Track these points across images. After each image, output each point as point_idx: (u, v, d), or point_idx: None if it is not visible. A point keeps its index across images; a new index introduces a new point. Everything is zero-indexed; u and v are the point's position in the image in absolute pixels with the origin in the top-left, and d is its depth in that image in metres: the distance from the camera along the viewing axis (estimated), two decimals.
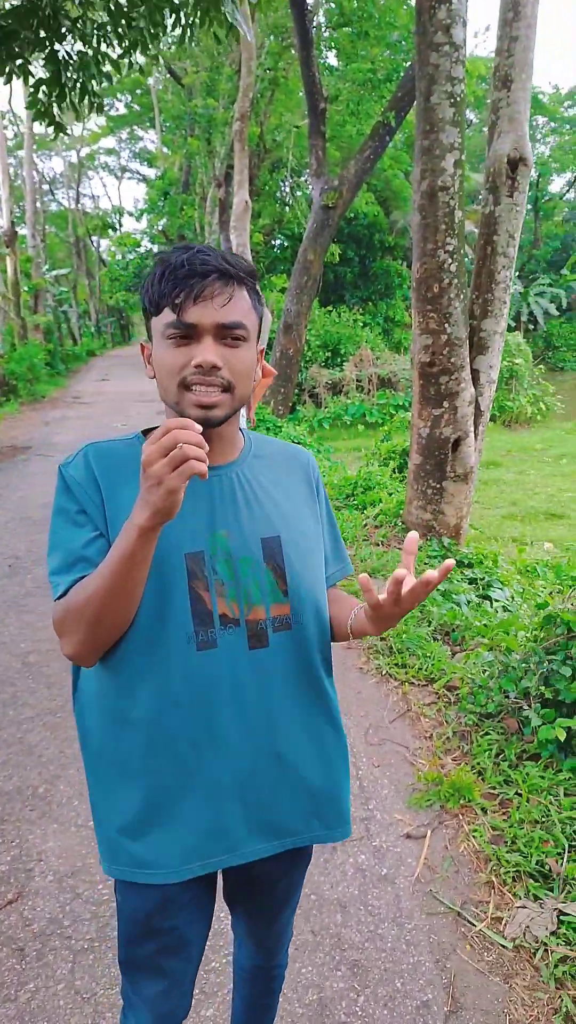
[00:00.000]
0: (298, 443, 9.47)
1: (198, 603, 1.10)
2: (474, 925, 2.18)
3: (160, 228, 25.74)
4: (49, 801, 2.75)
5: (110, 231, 36.61)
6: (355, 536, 5.65)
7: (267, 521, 1.17)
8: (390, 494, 6.40)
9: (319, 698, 1.23)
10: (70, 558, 1.07)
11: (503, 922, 2.18)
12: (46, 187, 39.40)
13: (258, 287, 1.14)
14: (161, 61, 21.14)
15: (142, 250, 28.57)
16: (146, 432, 1.22)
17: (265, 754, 1.16)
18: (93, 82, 5.26)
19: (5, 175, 19.93)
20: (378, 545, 5.45)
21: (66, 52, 5.12)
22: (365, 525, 5.90)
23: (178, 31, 5.29)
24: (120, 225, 37.22)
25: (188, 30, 5.14)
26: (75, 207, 37.54)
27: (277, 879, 1.31)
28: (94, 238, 40.92)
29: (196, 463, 0.88)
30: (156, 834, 1.12)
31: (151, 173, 34.39)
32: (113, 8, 4.87)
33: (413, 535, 1.03)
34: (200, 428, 0.90)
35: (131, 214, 30.04)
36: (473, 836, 2.52)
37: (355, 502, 6.59)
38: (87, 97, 5.21)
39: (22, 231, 23.64)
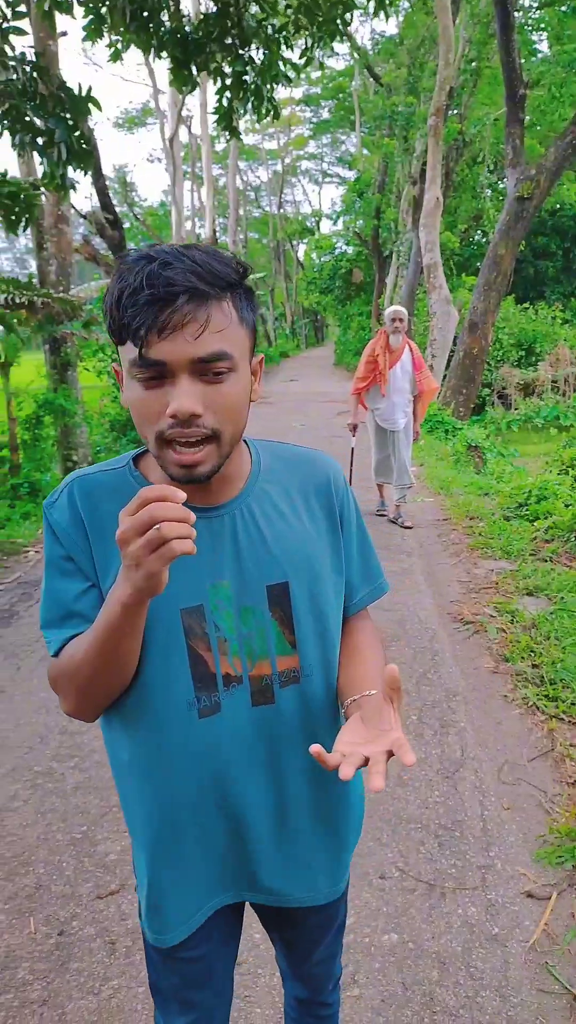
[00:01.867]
0: (475, 446, 9.03)
1: (199, 664, 0.99)
2: None
3: (355, 230, 25.88)
4: None
5: (308, 234, 37.50)
6: (520, 549, 5.25)
7: (274, 565, 1.03)
8: (567, 506, 5.87)
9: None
10: (60, 612, 0.99)
11: None
12: (251, 194, 41.15)
13: (248, 287, 0.94)
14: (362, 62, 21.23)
15: (336, 252, 28.90)
16: (136, 459, 1.06)
17: (269, 818, 1.08)
18: (271, 85, 5.34)
19: (210, 186, 21.04)
20: (545, 561, 5.01)
21: (250, 56, 5.24)
22: (534, 538, 5.46)
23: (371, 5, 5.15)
24: (318, 228, 37.99)
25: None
26: (277, 213, 38.84)
27: (304, 916, 1.22)
28: (293, 241, 42.12)
29: (178, 544, 0.76)
30: (163, 893, 1.09)
31: (351, 175, 34.76)
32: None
33: (391, 669, 0.86)
34: (183, 496, 0.76)
35: (329, 217, 30.54)
36: None
37: (527, 512, 6.13)
38: (264, 102, 5.30)
39: (224, 238, 24.84)
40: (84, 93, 4.25)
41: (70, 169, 4.48)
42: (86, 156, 4.42)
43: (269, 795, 1.07)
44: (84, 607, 0.98)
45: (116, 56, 4.85)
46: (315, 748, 0.84)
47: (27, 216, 4.73)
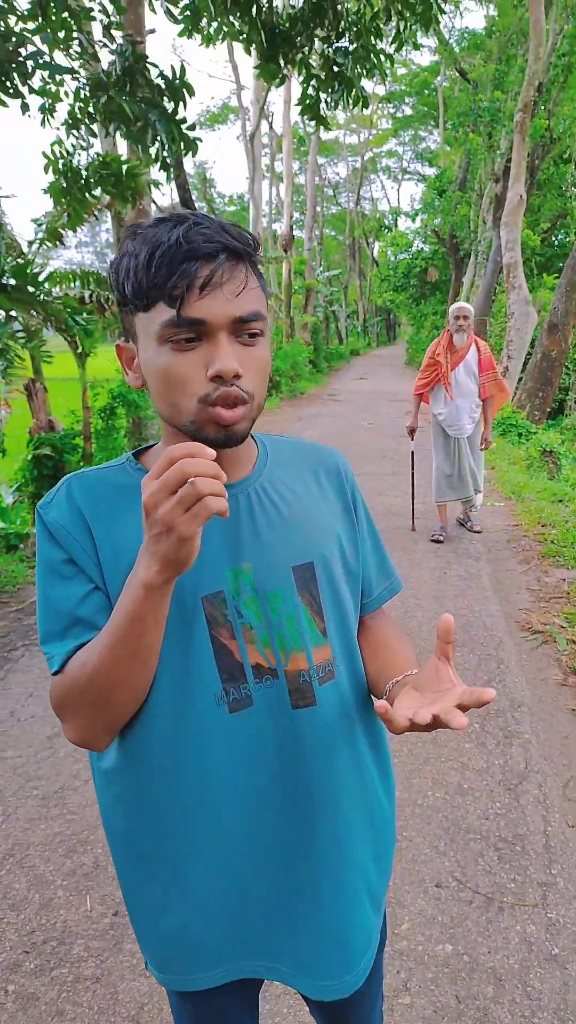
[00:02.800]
0: (549, 451, 8.78)
1: (224, 655, 0.91)
2: None
3: (433, 228, 25.52)
4: None
5: (385, 231, 37.19)
6: None
7: (297, 545, 0.96)
8: None
9: (373, 765, 1.07)
10: (62, 621, 0.89)
11: None
12: (329, 191, 41.10)
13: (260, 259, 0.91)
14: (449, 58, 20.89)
15: (413, 250, 28.55)
16: (138, 454, 1.00)
17: (321, 848, 0.98)
18: (362, 74, 5.29)
19: (289, 182, 21.08)
20: None
21: (345, 48, 5.21)
22: None
23: None
24: (395, 226, 37.64)
25: None
26: (354, 210, 38.66)
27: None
28: (369, 239, 41.87)
29: (213, 501, 0.69)
30: (183, 934, 0.98)
31: (431, 173, 34.32)
32: None
33: (446, 618, 0.81)
34: (213, 453, 0.70)
35: (407, 214, 30.23)
36: None
37: None
38: (353, 91, 5.26)
39: (300, 234, 24.87)
40: (178, 78, 4.32)
41: (166, 155, 4.56)
42: (190, 142, 4.49)
43: (316, 823, 0.97)
44: (89, 611, 0.89)
45: (209, 40, 4.90)
46: (380, 704, 0.78)
47: (133, 188, 4.89)
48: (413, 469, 6.20)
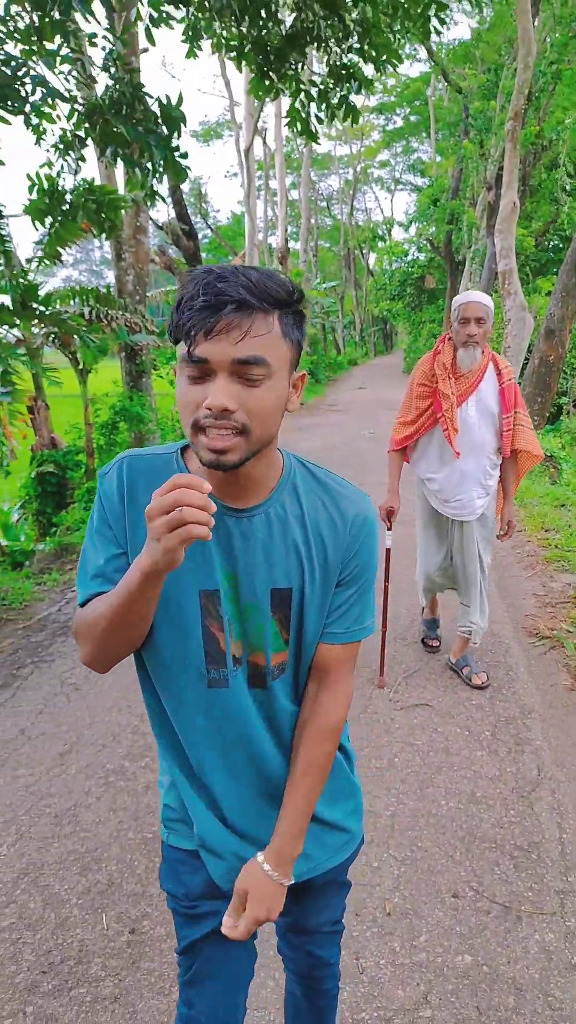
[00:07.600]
0: (550, 456, 8.79)
1: (211, 641, 1.12)
2: None
3: (427, 237, 25.64)
4: None
5: (379, 243, 37.36)
6: None
7: (283, 571, 1.12)
8: None
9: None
10: (92, 570, 1.11)
11: None
12: (323, 204, 41.32)
13: (299, 310, 1.02)
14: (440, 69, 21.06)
15: (408, 259, 28.67)
16: (184, 449, 1.16)
17: (273, 789, 1.22)
18: (347, 92, 5.33)
19: (283, 196, 21.23)
20: None
21: (353, 46, 5.23)
22: None
23: None
24: (389, 236, 37.83)
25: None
26: (348, 221, 38.88)
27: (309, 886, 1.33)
28: (364, 250, 42.08)
29: (195, 528, 0.85)
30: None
31: (423, 183, 34.49)
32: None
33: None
34: (209, 488, 0.86)
35: (400, 224, 30.39)
36: None
37: None
38: (343, 106, 5.30)
39: (295, 246, 25.01)
40: (175, 105, 4.34)
41: (154, 181, 4.58)
42: (180, 169, 4.51)
43: (280, 759, 1.21)
44: (111, 570, 1.10)
45: (220, 47, 4.94)
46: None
47: (113, 220, 4.92)
48: (387, 584, 3.68)
